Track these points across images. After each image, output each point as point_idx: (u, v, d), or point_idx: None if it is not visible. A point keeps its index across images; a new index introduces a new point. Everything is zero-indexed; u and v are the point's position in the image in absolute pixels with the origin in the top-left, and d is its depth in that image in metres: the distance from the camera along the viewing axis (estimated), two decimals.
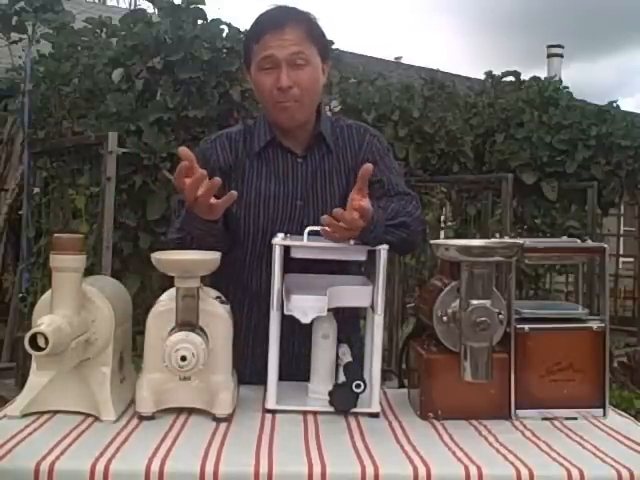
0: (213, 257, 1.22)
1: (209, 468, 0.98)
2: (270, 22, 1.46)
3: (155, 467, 0.98)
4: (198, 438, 1.09)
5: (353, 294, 1.28)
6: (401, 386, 1.43)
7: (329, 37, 1.56)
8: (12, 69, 4.85)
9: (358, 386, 1.22)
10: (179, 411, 1.21)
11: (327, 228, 1.22)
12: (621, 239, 8.32)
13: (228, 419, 1.18)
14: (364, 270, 1.43)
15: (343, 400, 1.23)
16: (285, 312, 1.22)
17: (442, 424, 1.22)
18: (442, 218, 5.99)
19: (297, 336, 1.38)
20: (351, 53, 9.62)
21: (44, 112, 4.35)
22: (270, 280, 1.24)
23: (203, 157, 1.47)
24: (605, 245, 1.36)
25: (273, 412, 1.24)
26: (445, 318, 1.25)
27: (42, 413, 1.18)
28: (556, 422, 1.26)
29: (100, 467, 0.98)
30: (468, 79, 10.44)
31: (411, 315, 3.83)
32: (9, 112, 4.75)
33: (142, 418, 1.18)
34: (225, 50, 3.95)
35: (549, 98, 6.36)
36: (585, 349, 1.29)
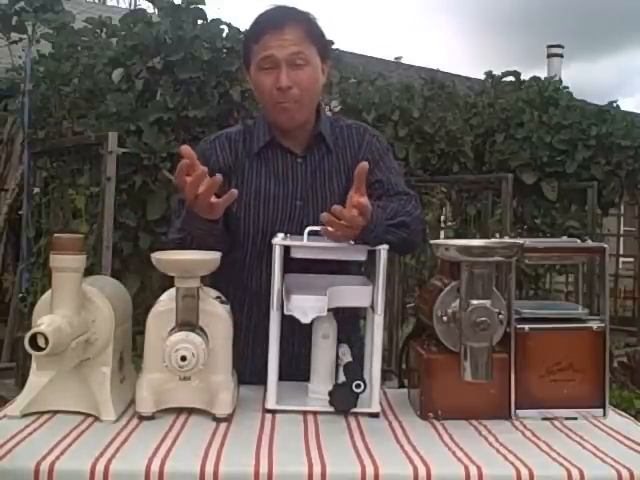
0: (213, 257, 1.22)
1: (209, 468, 0.98)
2: (270, 22, 1.46)
3: (155, 467, 0.98)
4: (198, 438, 1.09)
5: (353, 294, 1.28)
6: (401, 386, 1.43)
7: (329, 37, 1.56)
8: (12, 69, 4.85)
9: (358, 386, 1.22)
10: (179, 411, 1.21)
11: (327, 227, 1.22)
12: (621, 239, 8.32)
13: (228, 419, 1.18)
14: (364, 270, 1.43)
15: (343, 400, 1.23)
16: (285, 312, 1.22)
17: (442, 424, 1.22)
18: (442, 218, 5.99)
19: (297, 336, 1.37)
20: (351, 53, 9.62)
21: (44, 112, 4.35)
22: (270, 280, 1.24)
23: (203, 157, 1.46)
24: (605, 245, 1.36)
25: (273, 412, 1.24)
26: (445, 318, 1.25)
27: (42, 413, 1.18)
28: (556, 422, 1.25)
29: (100, 467, 0.97)
30: (468, 79, 10.44)
31: (411, 315, 3.83)
32: (9, 112, 4.75)
33: (142, 418, 1.18)
34: (225, 50, 3.95)
35: (549, 98, 6.37)
36: (585, 349, 1.29)
